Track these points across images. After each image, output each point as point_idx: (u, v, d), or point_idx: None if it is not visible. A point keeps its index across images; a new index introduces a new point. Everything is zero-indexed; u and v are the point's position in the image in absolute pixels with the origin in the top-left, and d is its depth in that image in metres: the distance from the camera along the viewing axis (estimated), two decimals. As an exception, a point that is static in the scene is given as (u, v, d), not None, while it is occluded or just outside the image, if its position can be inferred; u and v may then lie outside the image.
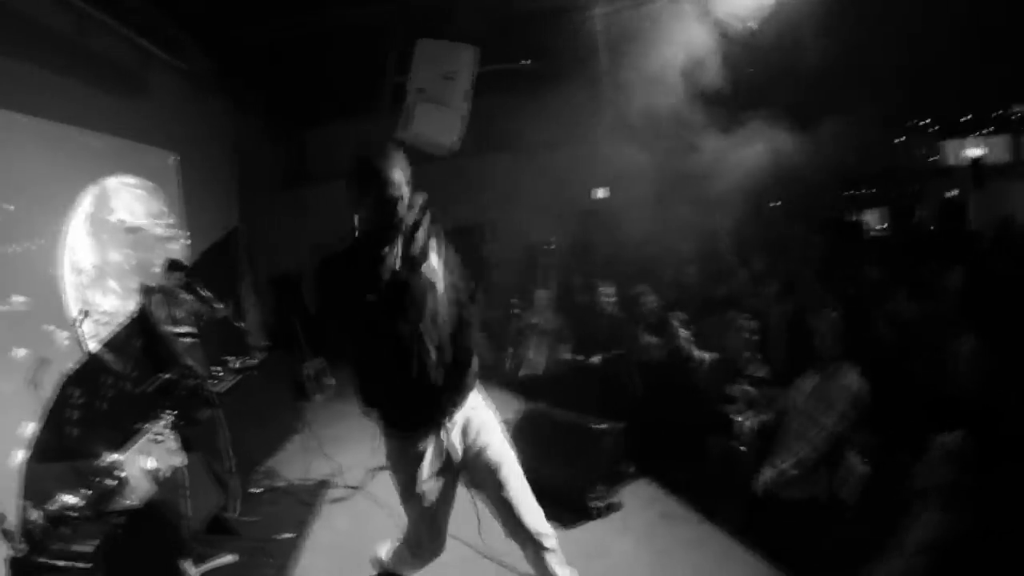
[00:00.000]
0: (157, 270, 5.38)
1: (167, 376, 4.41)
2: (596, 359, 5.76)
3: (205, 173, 7.18)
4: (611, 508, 4.02)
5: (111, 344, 4.80)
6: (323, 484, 4.86)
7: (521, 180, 9.36)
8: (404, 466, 2.48)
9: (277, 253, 8.94)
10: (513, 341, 6.90)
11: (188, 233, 6.60)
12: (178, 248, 6.34)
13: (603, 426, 4.06)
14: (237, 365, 5.41)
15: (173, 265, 5.33)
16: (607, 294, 6.26)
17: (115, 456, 3.26)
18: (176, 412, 4.16)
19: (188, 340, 5.27)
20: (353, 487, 4.77)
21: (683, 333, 4.79)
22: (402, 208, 2.33)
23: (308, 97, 8.87)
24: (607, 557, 3.54)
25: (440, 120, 6.24)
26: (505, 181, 9.46)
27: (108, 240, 5.13)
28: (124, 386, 4.70)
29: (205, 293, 5.60)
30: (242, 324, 6.28)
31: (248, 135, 8.46)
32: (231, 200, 8.04)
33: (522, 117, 8.62)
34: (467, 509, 2.73)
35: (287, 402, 6.29)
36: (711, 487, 3.95)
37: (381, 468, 4.54)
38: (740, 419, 3.96)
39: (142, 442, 3.36)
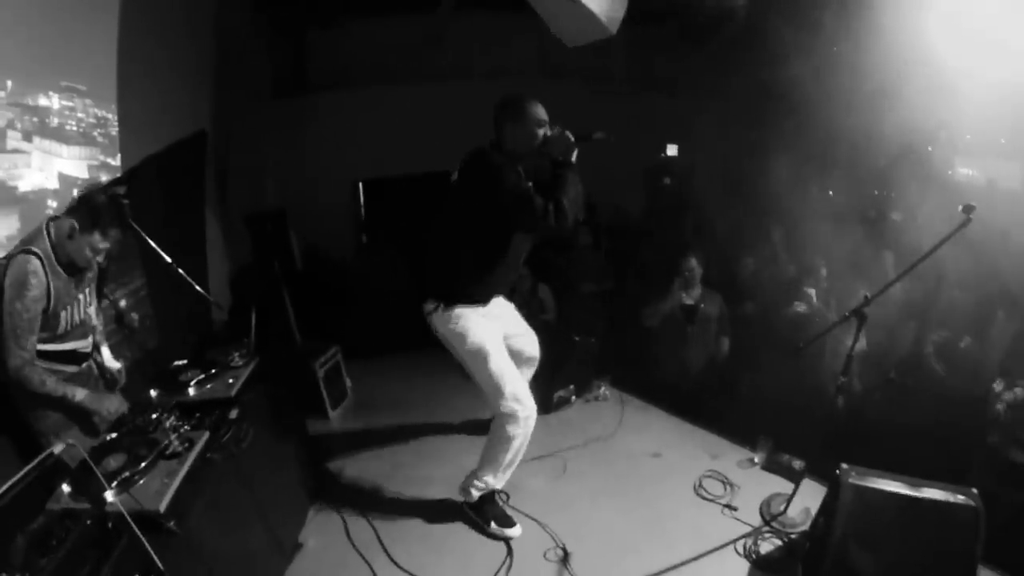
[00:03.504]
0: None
1: None
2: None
3: (161, 43, 3.99)
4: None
5: None
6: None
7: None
8: (488, 319, 2.97)
9: (259, 179, 5.92)
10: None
11: (116, 127, 3.43)
12: (93, 144, 3.22)
13: (970, 502, 2.32)
14: (195, 388, 2.46)
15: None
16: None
17: None
18: None
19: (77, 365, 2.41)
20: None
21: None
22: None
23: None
24: None
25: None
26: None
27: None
28: None
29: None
30: (205, 292, 3.26)
31: (235, 18, 5.29)
32: (200, 97, 4.84)
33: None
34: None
35: (285, 428, 3.18)
36: None
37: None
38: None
39: None
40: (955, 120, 4.40)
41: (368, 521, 3.08)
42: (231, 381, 2.60)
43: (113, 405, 2.34)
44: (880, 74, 4.38)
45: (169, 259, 2.86)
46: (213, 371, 2.68)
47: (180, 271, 2.92)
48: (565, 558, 2.80)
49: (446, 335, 2.96)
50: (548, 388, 4.17)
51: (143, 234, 2.81)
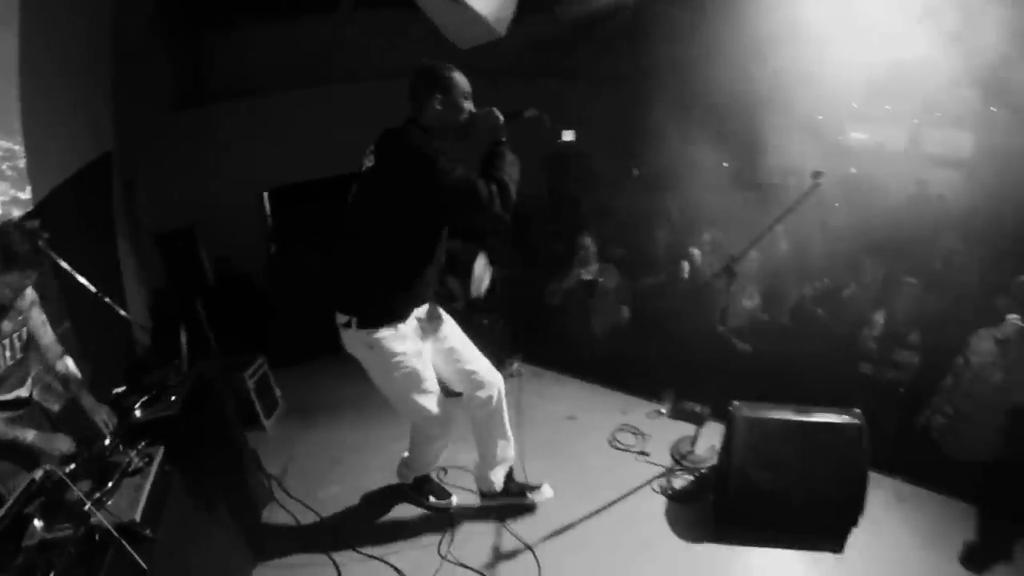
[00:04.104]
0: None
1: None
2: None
3: (61, 65, 3.88)
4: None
5: None
6: None
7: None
8: (409, 343, 2.57)
9: (166, 195, 5.76)
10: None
11: (24, 159, 3.34)
12: (3, 179, 3.19)
13: (854, 420, 2.75)
14: (140, 411, 2.57)
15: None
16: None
17: None
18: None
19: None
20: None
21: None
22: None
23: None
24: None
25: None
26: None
27: None
28: None
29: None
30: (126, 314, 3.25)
31: (133, 31, 5.09)
32: (102, 116, 4.70)
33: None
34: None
35: (232, 438, 3.28)
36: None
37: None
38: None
39: None
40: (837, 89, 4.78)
41: (319, 516, 3.22)
42: (173, 399, 2.69)
43: (64, 445, 2.31)
44: (757, 47, 4.77)
45: (93, 288, 2.85)
46: (154, 392, 2.75)
47: (106, 300, 2.91)
48: (502, 520, 3.07)
49: (363, 358, 2.65)
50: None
51: (65, 265, 2.76)
